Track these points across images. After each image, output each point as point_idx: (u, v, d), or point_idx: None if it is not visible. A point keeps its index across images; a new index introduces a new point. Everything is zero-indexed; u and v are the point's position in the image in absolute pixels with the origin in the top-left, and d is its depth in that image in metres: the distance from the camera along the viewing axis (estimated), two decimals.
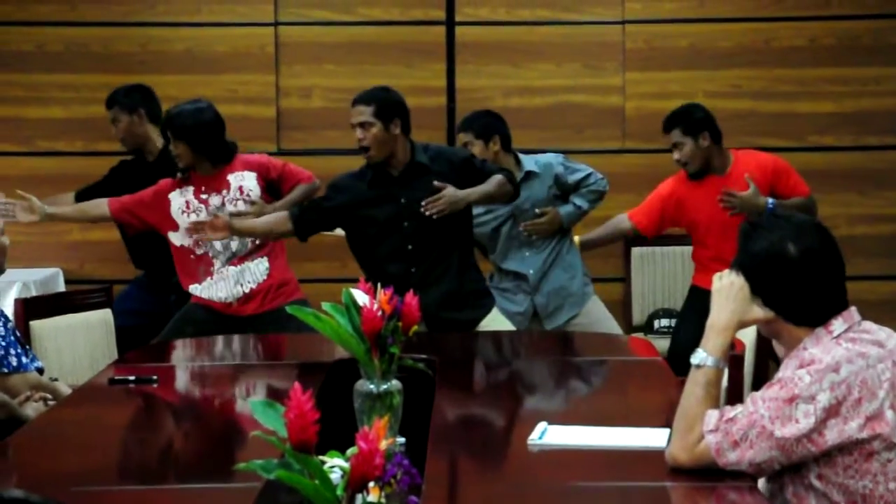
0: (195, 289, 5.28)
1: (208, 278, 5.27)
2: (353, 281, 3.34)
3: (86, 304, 5.05)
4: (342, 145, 6.79)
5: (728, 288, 2.86)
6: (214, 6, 6.98)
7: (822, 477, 2.71)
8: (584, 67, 6.98)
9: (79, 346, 4.92)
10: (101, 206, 5.44)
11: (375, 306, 3.10)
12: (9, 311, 4.66)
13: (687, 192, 5.68)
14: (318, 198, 5.19)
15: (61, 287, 6.74)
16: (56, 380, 4.19)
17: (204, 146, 5.25)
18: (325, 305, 3.23)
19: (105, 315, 5.09)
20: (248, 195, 5.27)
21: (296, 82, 6.99)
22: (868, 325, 2.85)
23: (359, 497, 2.06)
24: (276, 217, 5.15)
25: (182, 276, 5.33)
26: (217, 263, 5.26)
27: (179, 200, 5.29)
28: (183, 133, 5.22)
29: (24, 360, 4.01)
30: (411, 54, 6.99)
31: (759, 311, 2.85)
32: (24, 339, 4.31)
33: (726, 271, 2.89)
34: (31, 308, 4.80)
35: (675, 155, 5.63)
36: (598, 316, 5.76)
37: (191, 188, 5.29)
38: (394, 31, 7.00)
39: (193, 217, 5.25)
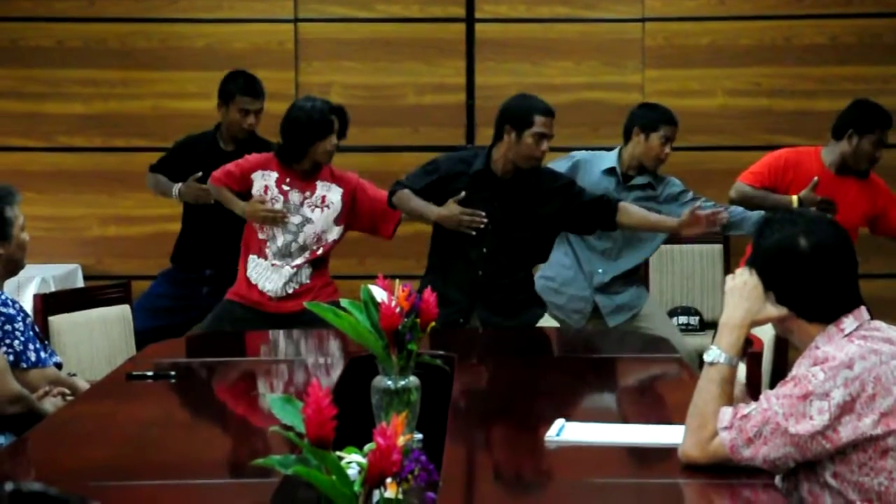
0: (252, 260, 5.27)
1: (264, 260, 5.26)
2: (371, 278, 3.34)
3: (104, 299, 5.06)
4: (361, 142, 6.79)
5: (742, 287, 2.86)
6: (234, 2, 7.00)
7: (837, 475, 2.71)
8: (604, 65, 6.97)
9: (97, 341, 4.94)
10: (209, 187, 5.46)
11: (394, 303, 3.10)
12: (28, 306, 4.68)
13: (804, 173, 5.64)
14: (419, 178, 5.09)
15: (80, 283, 6.76)
16: (74, 375, 4.21)
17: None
18: (344, 302, 3.24)
19: (123, 310, 5.10)
20: (328, 206, 5.26)
21: (315, 79, 6.99)
22: (878, 323, 2.85)
23: (376, 493, 2.05)
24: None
25: (244, 247, 5.32)
26: (269, 254, 5.25)
27: (261, 182, 5.27)
28: (345, 132, 5.31)
29: (42, 355, 4.02)
30: (431, 51, 6.99)
31: (772, 310, 2.85)
32: (43, 335, 4.33)
33: (739, 270, 2.90)
34: (50, 303, 4.82)
35: (878, 153, 5.64)
36: (651, 310, 5.74)
37: (274, 174, 5.26)
38: (413, 28, 7.00)
39: (269, 204, 5.23)
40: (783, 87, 6.90)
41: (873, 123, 5.60)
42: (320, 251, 5.26)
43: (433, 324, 3.20)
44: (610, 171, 5.57)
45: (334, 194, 5.28)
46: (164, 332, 5.39)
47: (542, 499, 2.81)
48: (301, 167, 5.26)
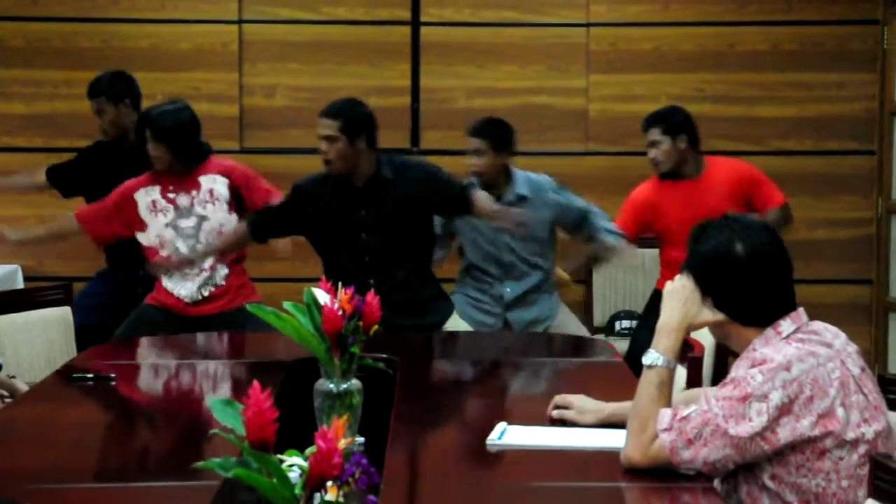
0: (165, 279, 5.24)
1: (176, 273, 5.23)
2: (313, 280, 3.34)
3: (45, 300, 5.01)
4: (305, 144, 6.77)
5: (680, 290, 2.90)
6: (178, 3, 6.95)
7: (775, 477, 2.73)
8: (549, 69, 6.99)
9: (37, 343, 4.89)
10: (70, 221, 5.40)
11: (336, 305, 3.10)
12: None
13: (660, 195, 5.74)
14: (277, 202, 5.16)
15: (20, 284, 6.70)
16: (13, 377, 4.17)
17: (183, 149, 5.21)
18: (287, 304, 3.23)
19: (64, 312, 5.05)
20: (217, 199, 5.23)
21: (259, 80, 6.97)
22: (816, 325, 2.88)
23: (317, 496, 2.05)
24: (235, 230, 5.15)
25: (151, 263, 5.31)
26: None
27: (146, 199, 5.25)
28: (164, 135, 5.17)
29: None
30: (376, 54, 6.98)
31: (708, 314, 2.88)
32: None
33: (678, 275, 2.92)
34: None
35: (651, 153, 5.71)
36: (563, 320, 5.77)
37: (157, 188, 5.24)
38: (359, 31, 6.99)
39: (161, 217, 5.21)
40: (726, 92, 6.96)
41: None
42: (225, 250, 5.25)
43: (376, 327, 3.20)
44: None
45: (220, 185, 5.25)
46: (102, 329, 5.36)
47: (483, 502, 2.81)
48: (173, 171, 5.23)
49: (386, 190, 4.95)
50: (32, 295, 5.08)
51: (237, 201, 5.27)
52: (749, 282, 2.83)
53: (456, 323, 5.14)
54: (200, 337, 4.86)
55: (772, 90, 6.95)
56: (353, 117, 4.93)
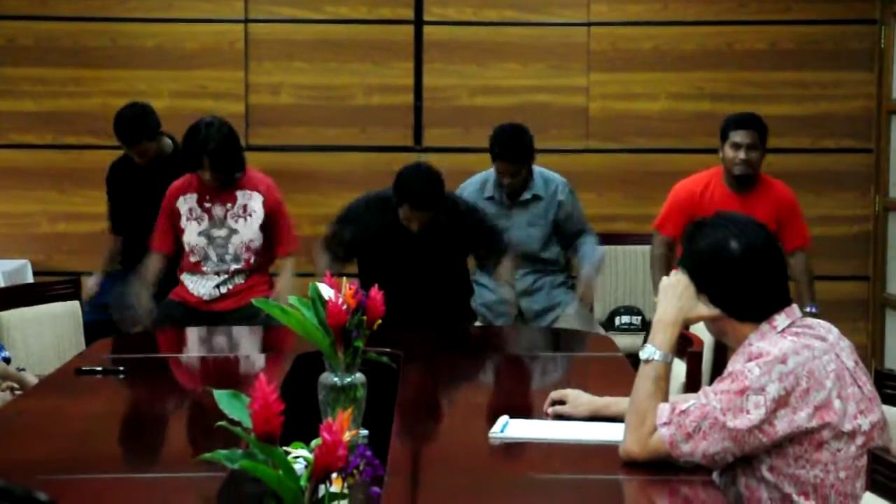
0: (185, 276, 5.30)
1: (198, 274, 5.29)
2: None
3: (53, 295, 5.05)
4: (309, 142, 6.84)
5: (675, 285, 2.92)
6: (185, 2, 6.99)
7: (773, 469, 2.76)
8: (550, 68, 7.03)
9: (46, 337, 4.93)
10: (155, 260, 5.39)
11: (340, 300, 3.15)
12: None
13: (707, 196, 5.64)
14: (336, 233, 5.26)
15: (29, 278, 6.74)
16: (23, 370, 4.21)
17: (230, 168, 5.26)
18: (292, 299, 3.27)
19: (72, 306, 5.09)
20: (250, 214, 5.27)
21: (265, 79, 7.01)
22: (809, 320, 2.91)
23: (322, 488, 2.08)
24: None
25: (180, 268, 5.36)
26: (207, 270, 5.28)
27: (184, 207, 5.28)
28: (223, 166, 5.20)
29: None
30: (379, 52, 7.02)
31: (704, 309, 2.91)
32: None
33: (674, 271, 2.97)
34: None
35: (743, 155, 5.54)
36: (578, 310, 5.84)
37: (194, 195, 5.29)
38: (362, 30, 7.03)
39: (195, 224, 5.25)
40: (725, 91, 6.99)
41: (725, 128, 5.63)
42: (252, 259, 5.29)
43: (380, 321, 3.24)
44: (491, 199, 5.70)
45: (255, 202, 5.28)
46: (111, 326, 5.40)
47: (485, 494, 2.83)
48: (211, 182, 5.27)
49: (433, 224, 5.06)
50: (42, 289, 5.12)
51: (267, 220, 5.32)
52: (744, 278, 2.86)
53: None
54: (207, 331, 4.90)
55: (770, 89, 6.99)
56: None
